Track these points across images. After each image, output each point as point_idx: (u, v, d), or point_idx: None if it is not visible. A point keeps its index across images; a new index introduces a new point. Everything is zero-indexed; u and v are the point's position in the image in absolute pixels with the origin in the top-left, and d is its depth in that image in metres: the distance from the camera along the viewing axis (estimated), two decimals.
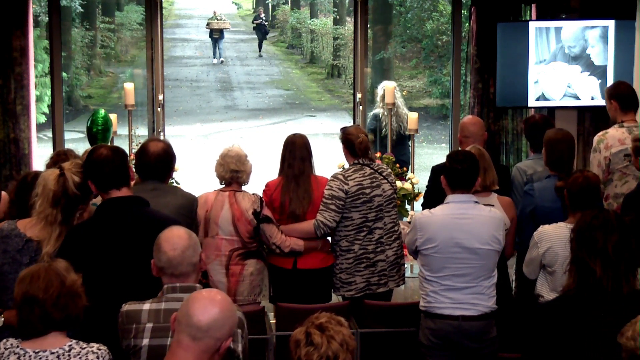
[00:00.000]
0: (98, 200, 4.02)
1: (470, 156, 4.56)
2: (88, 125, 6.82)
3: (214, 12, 25.75)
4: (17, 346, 3.01)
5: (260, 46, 27.28)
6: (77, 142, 7.21)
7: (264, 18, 27.75)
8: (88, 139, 6.84)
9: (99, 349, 3.05)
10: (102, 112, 6.87)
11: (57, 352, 2.99)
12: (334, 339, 2.77)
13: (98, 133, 6.72)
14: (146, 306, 3.28)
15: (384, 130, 8.08)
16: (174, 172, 6.66)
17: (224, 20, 25.66)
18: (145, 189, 4.34)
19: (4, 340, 3.05)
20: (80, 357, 3.00)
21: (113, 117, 7.04)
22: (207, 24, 25.63)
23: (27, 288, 3.02)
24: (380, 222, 5.27)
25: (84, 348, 3.03)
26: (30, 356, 2.97)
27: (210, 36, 25.30)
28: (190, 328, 2.74)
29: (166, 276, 3.31)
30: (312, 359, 2.74)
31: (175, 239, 3.32)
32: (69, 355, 2.99)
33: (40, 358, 2.97)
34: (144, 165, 4.53)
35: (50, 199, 3.84)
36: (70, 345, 3.02)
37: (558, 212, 4.67)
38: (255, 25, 27.50)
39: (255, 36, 27.22)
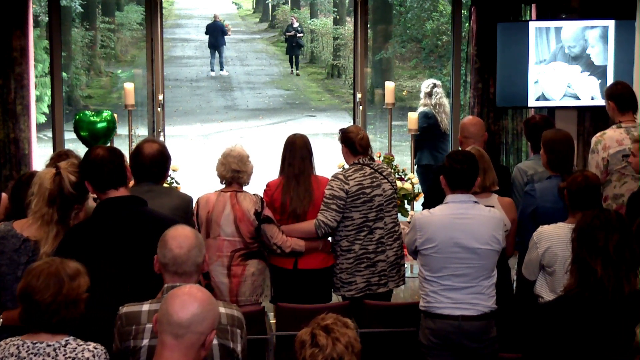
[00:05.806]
0: None
1: (469, 156, 4.57)
2: (96, 119, 6.76)
3: (215, 16, 23.89)
4: (17, 339, 3.08)
5: (295, 64, 23.52)
6: (77, 142, 7.17)
7: (298, 29, 23.39)
8: (87, 140, 6.78)
9: (96, 348, 3.07)
10: (107, 112, 6.86)
11: (53, 345, 3.04)
12: (340, 341, 2.78)
13: (107, 130, 6.70)
14: (145, 307, 3.28)
15: (441, 125, 8.40)
16: (174, 172, 6.69)
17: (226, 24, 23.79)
18: (140, 191, 4.34)
19: (6, 339, 3.10)
20: (75, 353, 3.03)
21: None
22: (207, 31, 23.32)
23: (27, 284, 3.06)
24: (380, 222, 5.27)
25: (80, 345, 3.06)
26: (28, 346, 3.03)
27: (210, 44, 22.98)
28: (171, 326, 2.76)
29: (169, 274, 3.31)
30: None
31: (182, 237, 3.32)
32: (64, 350, 3.03)
33: (37, 349, 3.02)
34: (138, 167, 4.54)
35: (46, 198, 3.84)
36: (67, 340, 3.06)
37: (559, 212, 4.64)
38: (286, 37, 23.78)
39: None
